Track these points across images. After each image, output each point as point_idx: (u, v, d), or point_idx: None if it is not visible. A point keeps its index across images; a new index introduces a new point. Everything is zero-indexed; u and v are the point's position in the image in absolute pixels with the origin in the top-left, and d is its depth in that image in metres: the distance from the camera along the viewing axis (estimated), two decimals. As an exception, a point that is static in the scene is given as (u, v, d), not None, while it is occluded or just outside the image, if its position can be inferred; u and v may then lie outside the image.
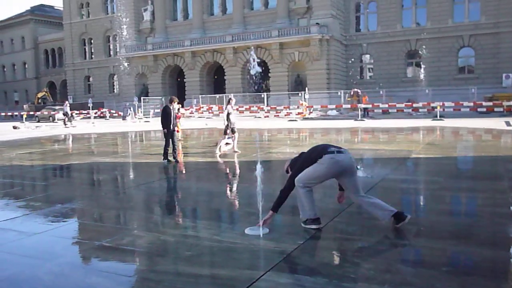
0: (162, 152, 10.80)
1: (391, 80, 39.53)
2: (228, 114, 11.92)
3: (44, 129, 27.13)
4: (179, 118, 14.25)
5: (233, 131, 11.94)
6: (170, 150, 10.75)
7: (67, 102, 35.58)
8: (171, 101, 10.72)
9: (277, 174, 9.46)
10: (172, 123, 10.55)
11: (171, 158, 10.75)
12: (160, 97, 43.91)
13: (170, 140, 10.66)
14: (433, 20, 39.07)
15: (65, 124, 30.62)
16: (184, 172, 9.99)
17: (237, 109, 34.29)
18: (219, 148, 12.06)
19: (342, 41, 41.45)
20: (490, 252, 4.16)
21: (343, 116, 31.87)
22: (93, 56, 56.52)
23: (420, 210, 6.01)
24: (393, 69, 40.64)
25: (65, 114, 32.16)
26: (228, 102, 12.27)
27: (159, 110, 39.64)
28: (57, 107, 42.66)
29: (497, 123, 20.07)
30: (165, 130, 10.52)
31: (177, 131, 13.88)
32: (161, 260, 4.16)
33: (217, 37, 43.11)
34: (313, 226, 4.82)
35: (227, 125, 11.89)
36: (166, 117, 10.45)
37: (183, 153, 12.50)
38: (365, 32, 42.22)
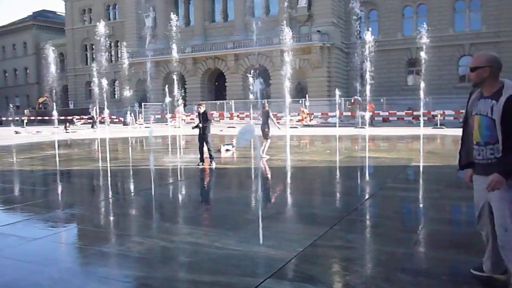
0: (206, 156, 11.24)
1: (392, 88, 39.60)
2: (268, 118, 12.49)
3: (45, 134, 27.16)
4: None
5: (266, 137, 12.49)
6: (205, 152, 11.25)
7: (93, 106, 36.84)
8: (199, 106, 11.37)
9: (276, 181, 9.47)
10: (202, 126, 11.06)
11: (212, 163, 11.18)
12: (161, 103, 43.93)
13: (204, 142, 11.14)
14: (434, 29, 39.19)
15: (66, 129, 30.74)
16: (185, 178, 9.99)
17: (237, 116, 34.38)
18: (262, 150, 12.39)
19: (343, 49, 41.58)
20: (490, 261, 4.14)
21: (344, 123, 31.87)
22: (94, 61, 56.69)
23: (421, 218, 6.00)
24: (393, 77, 40.72)
25: (92, 118, 33.65)
26: (264, 107, 12.79)
27: (160, 116, 39.91)
28: None
29: (497, 132, 20.03)
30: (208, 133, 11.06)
31: None
32: (160, 266, 4.16)
33: (219, 44, 43.26)
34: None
35: (267, 129, 12.42)
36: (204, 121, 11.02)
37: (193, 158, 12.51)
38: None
